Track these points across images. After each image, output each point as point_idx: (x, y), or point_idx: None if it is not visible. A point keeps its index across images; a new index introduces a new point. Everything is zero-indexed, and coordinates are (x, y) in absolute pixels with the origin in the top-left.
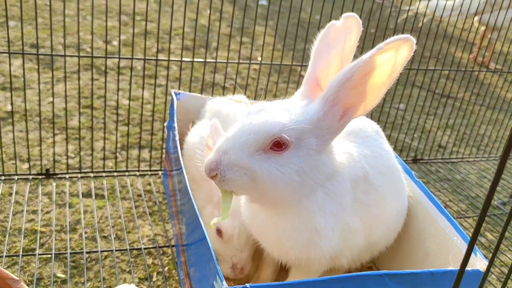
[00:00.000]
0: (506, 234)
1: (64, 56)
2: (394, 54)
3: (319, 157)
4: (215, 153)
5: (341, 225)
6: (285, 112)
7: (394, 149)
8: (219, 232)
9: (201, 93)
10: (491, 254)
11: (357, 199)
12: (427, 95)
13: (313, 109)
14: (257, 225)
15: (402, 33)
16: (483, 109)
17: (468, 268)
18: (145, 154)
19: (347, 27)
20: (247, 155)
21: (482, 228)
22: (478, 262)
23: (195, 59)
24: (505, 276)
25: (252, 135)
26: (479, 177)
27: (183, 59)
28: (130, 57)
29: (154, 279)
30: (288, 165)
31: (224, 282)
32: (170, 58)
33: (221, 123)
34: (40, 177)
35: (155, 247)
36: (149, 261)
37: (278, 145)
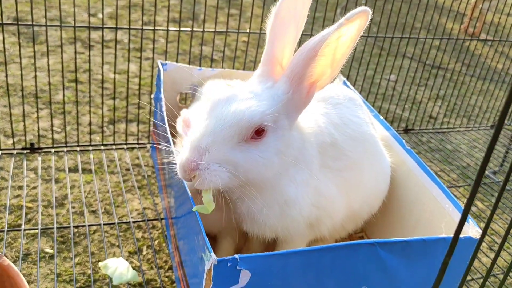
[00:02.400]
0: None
1: (46, 26)
2: (352, 25)
3: (290, 134)
4: (193, 151)
5: (311, 191)
6: (257, 98)
7: (385, 119)
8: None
9: (189, 64)
10: (481, 223)
11: (326, 165)
12: (417, 66)
13: (281, 90)
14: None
15: (393, 3)
16: (474, 80)
17: (461, 235)
18: (133, 128)
19: None
20: (230, 149)
21: None
22: (471, 230)
23: (182, 29)
24: (496, 244)
25: (234, 127)
26: (470, 147)
27: (170, 28)
28: (114, 26)
29: (144, 252)
30: (268, 149)
31: (213, 253)
32: (156, 28)
33: None
34: (25, 151)
35: (144, 221)
36: (139, 235)
37: (258, 133)
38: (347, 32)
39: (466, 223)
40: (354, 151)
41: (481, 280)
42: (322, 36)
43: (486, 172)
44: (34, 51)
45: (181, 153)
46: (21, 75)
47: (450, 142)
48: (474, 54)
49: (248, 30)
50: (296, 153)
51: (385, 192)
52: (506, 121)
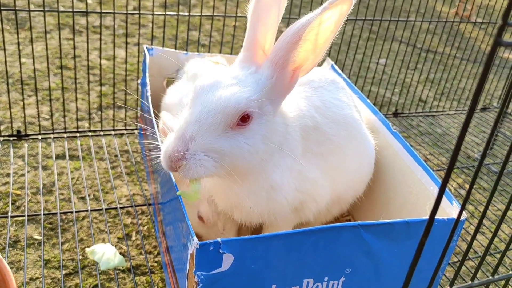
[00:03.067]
0: (485, 185)
1: (29, 11)
2: (335, 10)
3: (274, 119)
4: (178, 141)
5: (295, 176)
6: (241, 83)
7: (375, 104)
8: (200, 218)
9: (175, 48)
10: (470, 206)
11: (309, 150)
12: (407, 49)
13: (264, 75)
14: (213, 189)
15: None
16: (464, 63)
17: (445, 217)
18: (122, 114)
19: None
20: (216, 137)
21: (461, 180)
22: (454, 211)
23: (168, 13)
24: (484, 227)
25: (219, 114)
26: (460, 130)
27: (155, 12)
28: (99, 11)
29: (133, 238)
30: (254, 136)
31: (195, 237)
32: (141, 12)
33: None
34: (11, 139)
35: (131, 206)
36: (128, 221)
37: (243, 120)
38: (332, 16)
39: (450, 205)
40: (337, 135)
41: (470, 262)
42: (306, 20)
43: (475, 155)
44: (18, 37)
45: (165, 142)
46: (5, 61)
47: (439, 125)
48: (464, 37)
49: (235, 14)
50: (281, 139)
51: (370, 175)
52: (495, 104)
